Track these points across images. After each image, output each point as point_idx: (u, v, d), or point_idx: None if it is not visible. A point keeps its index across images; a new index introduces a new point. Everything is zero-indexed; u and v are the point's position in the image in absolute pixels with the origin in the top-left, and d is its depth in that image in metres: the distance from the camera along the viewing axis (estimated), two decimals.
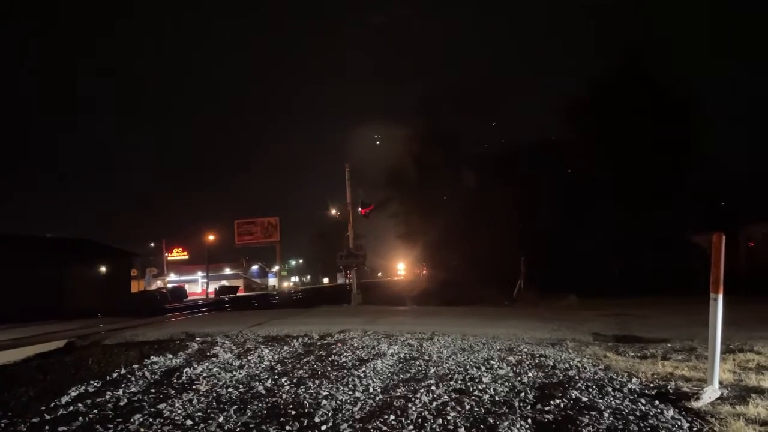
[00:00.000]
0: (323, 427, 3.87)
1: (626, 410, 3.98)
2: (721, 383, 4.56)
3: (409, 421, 3.91)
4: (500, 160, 29.18)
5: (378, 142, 24.05)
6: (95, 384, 5.65)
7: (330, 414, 4.20)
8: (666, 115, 22.78)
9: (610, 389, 4.60)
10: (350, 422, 3.97)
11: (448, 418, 3.95)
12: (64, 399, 5.06)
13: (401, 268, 69.37)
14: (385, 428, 3.79)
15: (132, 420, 4.24)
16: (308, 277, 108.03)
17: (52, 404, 4.87)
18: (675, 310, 12.16)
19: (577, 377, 5.15)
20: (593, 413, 3.92)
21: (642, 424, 3.66)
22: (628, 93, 23.54)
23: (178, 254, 75.58)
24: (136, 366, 6.61)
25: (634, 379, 4.98)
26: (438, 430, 3.73)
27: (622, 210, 21.66)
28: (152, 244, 74.27)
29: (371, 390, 4.92)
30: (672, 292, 16.06)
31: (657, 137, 22.35)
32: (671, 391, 4.51)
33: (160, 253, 72.95)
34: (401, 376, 5.52)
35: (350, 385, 5.11)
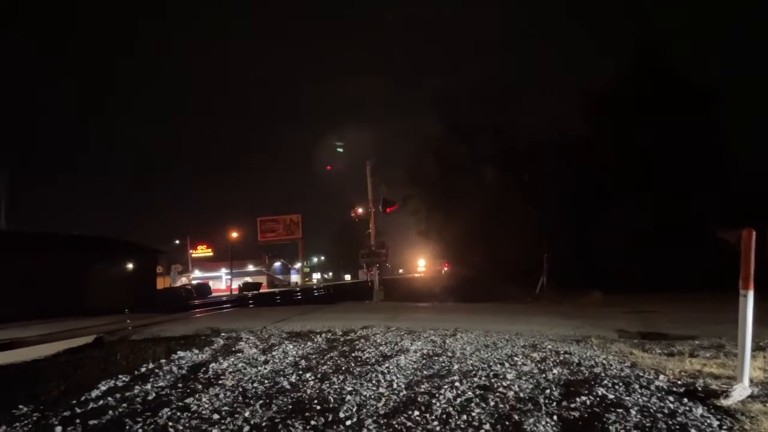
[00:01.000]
0: (348, 422, 3.90)
1: (654, 408, 3.93)
2: (751, 381, 4.48)
3: (433, 417, 3.92)
4: (521, 156, 28.95)
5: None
6: (124, 378, 5.77)
7: (354, 409, 4.22)
8: (689, 107, 22.37)
9: (636, 386, 4.54)
10: (374, 417, 3.99)
11: (473, 414, 3.95)
12: (94, 393, 5.16)
13: (421, 264, 69.34)
14: (409, 424, 3.81)
15: (160, 414, 4.32)
16: (330, 273, 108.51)
17: (83, 398, 4.98)
18: (702, 307, 11.96)
19: (602, 374, 5.09)
20: (620, 410, 3.88)
21: (670, 422, 3.61)
22: (649, 85, 23.17)
23: (202, 251, 76.60)
24: (163, 361, 6.72)
25: (661, 377, 4.91)
26: (462, 426, 3.73)
27: (646, 205, 21.32)
28: (177, 242, 75.32)
29: (395, 386, 4.93)
30: (698, 289, 15.77)
31: (680, 130, 21.96)
32: (700, 389, 4.44)
33: (185, 250, 73.92)
34: (425, 372, 5.52)
35: (374, 381, 5.13)
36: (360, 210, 24.86)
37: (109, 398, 4.93)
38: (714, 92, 23.63)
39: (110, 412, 4.48)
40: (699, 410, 3.86)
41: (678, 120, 22.08)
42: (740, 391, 4.18)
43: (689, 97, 22.69)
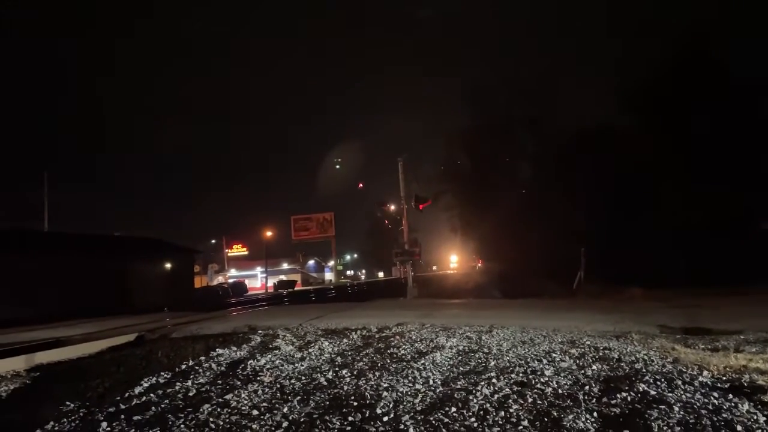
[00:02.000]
0: (385, 419, 3.91)
1: (698, 404, 3.84)
2: None
3: (470, 414, 3.90)
4: (557, 149, 28.46)
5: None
6: (165, 375, 5.90)
7: (391, 405, 4.23)
8: (732, 99, 21.66)
9: (679, 382, 4.44)
10: (411, 414, 3.99)
11: (511, 410, 3.92)
12: (137, 390, 5.30)
13: (454, 260, 68.77)
14: (446, 420, 3.80)
15: (201, 410, 4.40)
16: (363, 271, 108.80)
17: (126, 394, 5.12)
18: (747, 301, 11.61)
19: (644, 370, 4.99)
20: (663, 407, 3.79)
21: (715, 419, 3.52)
22: (691, 75, 22.50)
23: (237, 250, 77.74)
24: (202, 358, 6.85)
25: (705, 372, 4.79)
26: (500, 422, 3.70)
27: (686, 200, 20.77)
28: (213, 241, 76.56)
29: (431, 382, 4.93)
30: (744, 283, 15.29)
31: (723, 121, 21.29)
32: (745, 384, 4.32)
33: (221, 250, 75.10)
34: (461, 368, 5.50)
35: (410, 378, 5.13)
36: (392, 207, 24.87)
37: (152, 395, 5.06)
38: (762, 84, 22.81)
39: (153, 408, 4.59)
40: (745, 406, 3.75)
41: (724, 112, 21.40)
42: None
43: (735, 89, 21.98)
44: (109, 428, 4.10)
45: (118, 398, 4.99)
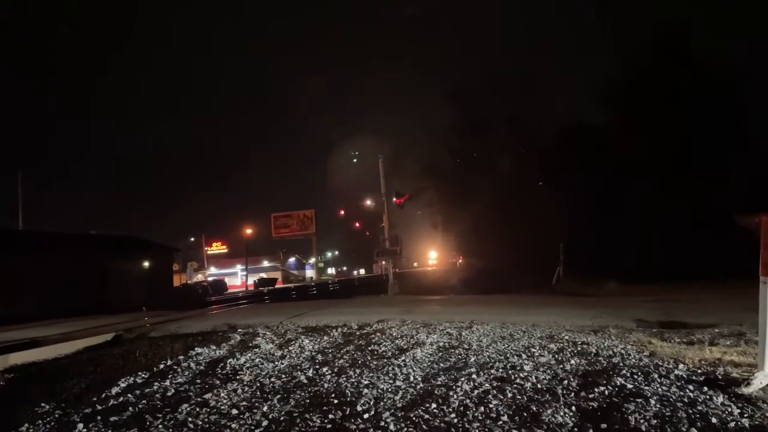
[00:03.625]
0: (366, 416, 3.91)
1: (674, 397, 3.90)
2: None
3: (450, 409, 3.92)
4: (538, 146, 28.74)
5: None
6: (143, 375, 5.83)
7: (372, 402, 4.23)
8: (708, 93, 22.02)
9: (656, 376, 4.50)
10: (392, 410, 3.99)
11: (490, 406, 3.94)
12: (114, 390, 5.23)
13: (433, 256, 68.15)
14: (427, 416, 3.80)
15: (180, 409, 4.36)
16: (344, 267, 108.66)
17: (103, 395, 5.04)
18: (722, 295, 11.82)
19: (621, 364, 5.06)
20: (639, 400, 3.85)
21: (690, 411, 3.58)
22: (667, 73, 22.83)
23: (217, 248, 77.16)
24: (181, 357, 6.79)
25: (680, 366, 4.86)
26: (480, 418, 3.72)
27: (664, 194, 21.08)
28: (192, 239, 75.94)
29: (412, 379, 4.94)
30: (718, 277, 15.58)
31: (698, 117, 21.63)
32: (720, 377, 4.39)
33: (200, 248, 74.50)
34: (441, 364, 5.52)
35: (391, 374, 5.13)
36: (368, 202, 24.87)
37: (129, 395, 4.99)
38: (738, 76, 23.23)
39: (130, 408, 4.53)
40: (719, 398, 3.81)
41: (701, 105, 21.75)
42: (761, 379, 4.12)
43: (713, 81, 22.35)
44: (85, 429, 4.04)
45: (95, 399, 4.92)
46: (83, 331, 11.10)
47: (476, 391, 4.35)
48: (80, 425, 4.11)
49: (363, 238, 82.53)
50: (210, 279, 59.11)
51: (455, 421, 3.69)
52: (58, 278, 22.46)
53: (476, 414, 3.79)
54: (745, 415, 3.48)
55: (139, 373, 5.89)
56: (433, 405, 4.03)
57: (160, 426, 3.98)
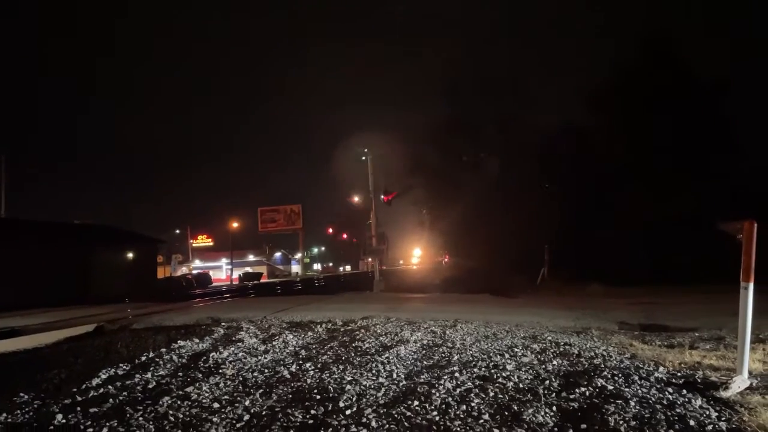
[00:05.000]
0: (348, 412, 3.91)
1: (653, 399, 3.94)
2: (750, 373, 4.48)
3: (432, 407, 3.93)
4: (525, 146, 28.84)
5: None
6: (125, 367, 5.78)
7: (354, 399, 4.23)
8: (693, 98, 22.27)
9: (636, 378, 4.55)
10: (374, 407, 3.99)
11: (472, 404, 3.96)
12: (95, 381, 5.18)
13: (417, 254, 66.64)
14: (409, 414, 3.81)
15: (161, 402, 4.33)
16: (330, 264, 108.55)
17: (83, 386, 4.99)
18: (702, 299, 11.97)
19: (602, 366, 5.10)
20: (619, 402, 3.88)
21: (669, 413, 3.62)
22: (654, 77, 23.03)
23: (202, 241, 76.67)
24: (163, 350, 6.74)
25: (660, 368, 4.92)
26: (462, 416, 3.73)
27: (648, 197, 21.27)
28: (177, 231, 75.30)
29: (395, 376, 4.95)
30: (699, 281, 15.77)
31: (684, 122, 21.86)
32: (699, 381, 4.45)
33: (185, 240, 73.99)
34: (425, 362, 5.53)
35: (374, 371, 5.14)
36: (356, 199, 24.85)
37: (110, 386, 4.95)
38: (723, 83, 23.49)
39: (111, 400, 4.49)
40: (698, 402, 3.86)
41: (686, 111, 21.97)
42: (739, 383, 4.19)
43: (698, 88, 22.58)
44: (64, 420, 3.99)
45: (75, 390, 4.87)
46: (64, 321, 11.00)
47: (459, 390, 4.37)
48: (59, 416, 4.06)
49: (350, 233, 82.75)
50: (195, 272, 58.78)
51: (437, 418, 3.70)
52: (40, 268, 22.16)
53: (458, 412, 3.80)
54: (723, 419, 3.53)
55: (121, 365, 5.84)
56: (416, 402, 4.04)
57: (141, 418, 3.95)
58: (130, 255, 30.17)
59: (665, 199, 20.57)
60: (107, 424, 3.83)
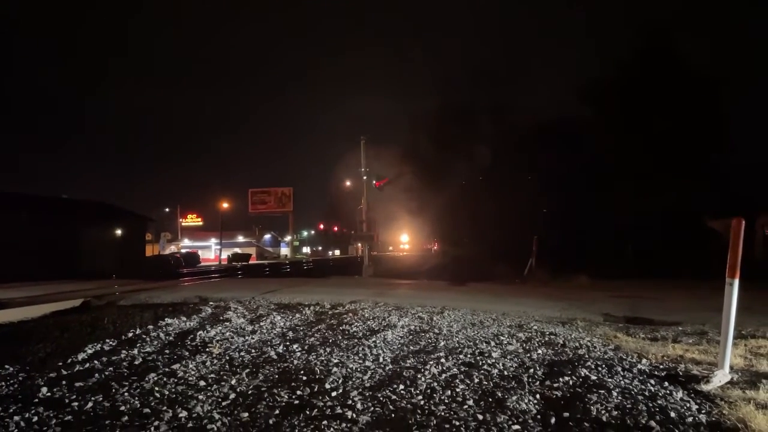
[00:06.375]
0: (333, 394, 3.93)
1: (635, 390, 3.99)
2: (731, 368, 4.54)
3: (418, 392, 3.96)
4: (516, 137, 28.88)
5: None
6: (111, 343, 5.78)
7: (340, 381, 4.26)
8: (689, 97, 22.34)
9: (619, 369, 4.61)
10: (360, 390, 4.02)
11: (457, 390, 3.99)
12: (81, 356, 5.17)
13: (405, 240, 65.92)
14: (394, 397, 3.84)
15: (147, 378, 4.33)
16: (320, 247, 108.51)
17: (69, 360, 4.98)
18: (688, 294, 12.09)
19: (586, 356, 5.16)
20: (602, 392, 3.93)
21: (650, 404, 3.67)
22: (650, 73, 23.07)
23: (192, 220, 76.30)
24: (150, 327, 6.73)
25: (643, 360, 4.98)
26: (446, 401, 3.77)
27: (638, 192, 21.40)
28: (167, 210, 74.81)
29: (381, 360, 4.98)
30: (686, 276, 15.94)
31: (678, 120, 21.95)
32: (681, 374, 4.51)
33: (175, 219, 73.51)
34: (411, 347, 5.57)
35: (361, 354, 5.16)
36: (348, 183, 24.81)
37: (96, 362, 4.94)
38: (718, 81, 23.54)
39: (96, 375, 4.49)
40: (679, 394, 3.92)
41: (680, 107, 22.06)
42: (720, 377, 4.25)
43: (692, 84, 22.64)
44: (49, 393, 3.98)
45: (60, 364, 4.86)
46: (51, 295, 10.94)
47: (444, 375, 4.40)
48: (44, 389, 4.06)
49: (340, 218, 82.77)
50: (183, 251, 58.60)
51: (422, 403, 3.73)
52: (27, 241, 22.04)
53: (443, 397, 3.84)
54: (703, 411, 3.58)
55: (107, 341, 5.83)
56: (401, 386, 4.07)
57: (126, 394, 3.95)
58: (119, 232, 30.01)
59: (655, 195, 20.70)
60: (92, 398, 3.84)
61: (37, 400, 3.85)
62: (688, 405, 3.69)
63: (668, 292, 12.59)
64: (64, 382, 4.26)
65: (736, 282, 4.38)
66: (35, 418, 3.46)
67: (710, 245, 18.29)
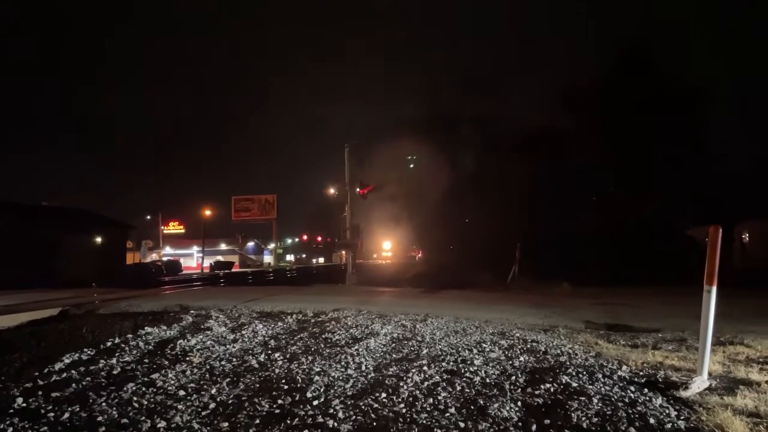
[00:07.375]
0: (315, 402, 3.90)
1: (615, 397, 4.02)
2: (710, 374, 4.60)
3: (400, 400, 3.95)
4: (499, 145, 29.11)
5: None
6: (89, 352, 5.68)
7: (322, 390, 4.23)
8: (667, 106, 22.70)
9: (600, 376, 4.64)
10: (342, 398, 4.00)
11: (439, 398, 3.99)
12: (58, 366, 5.08)
13: (387, 247, 65.07)
14: (376, 405, 3.83)
15: (125, 388, 4.27)
16: (303, 255, 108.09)
17: (46, 370, 4.89)
18: (668, 301, 12.22)
19: (567, 363, 5.19)
20: (583, 398, 3.96)
21: (630, 411, 3.70)
22: (630, 83, 23.41)
23: (174, 228, 75.62)
24: (130, 336, 6.64)
25: (624, 367, 5.02)
26: (428, 409, 3.76)
27: (620, 200, 21.66)
28: (148, 217, 74.05)
29: (363, 368, 4.96)
30: (666, 284, 16.14)
31: (657, 129, 22.29)
32: (660, 380, 4.55)
33: (156, 226, 72.80)
34: (394, 355, 5.56)
35: (343, 363, 5.14)
36: (331, 190, 24.77)
37: (73, 371, 4.86)
38: (698, 92, 23.94)
39: (74, 385, 4.42)
40: (658, 400, 3.95)
41: (659, 117, 22.39)
42: (699, 384, 4.30)
43: (672, 95, 23.01)
44: (24, 404, 3.91)
45: (37, 374, 4.77)
46: (28, 304, 10.77)
47: (426, 383, 4.40)
48: (19, 399, 3.98)
49: (324, 226, 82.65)
50: (165, 259, 58.02)
51: (404, 411, 3.72)
52: (4, 249, 21.65)
53: (425, 405, 3.83)
54: (682, 418, 3.62)
55: (85, 350, 5.74)
56: (383, 394, 4.06)
57: (104, 404, 3.89)
58: (99, 239, 29.64)
59: (635, 202, 20.96)
60: (69, 409, 3.77)
61: (12, 411, 3.77)
62: (667, 411, 3.72)
63: (649, 300, 12.72)
64: (40, 393, 4.18)
65: (714, 289, 4.44)
66: (10, 429, 3.39)
67: (689, 253, 18.58)
